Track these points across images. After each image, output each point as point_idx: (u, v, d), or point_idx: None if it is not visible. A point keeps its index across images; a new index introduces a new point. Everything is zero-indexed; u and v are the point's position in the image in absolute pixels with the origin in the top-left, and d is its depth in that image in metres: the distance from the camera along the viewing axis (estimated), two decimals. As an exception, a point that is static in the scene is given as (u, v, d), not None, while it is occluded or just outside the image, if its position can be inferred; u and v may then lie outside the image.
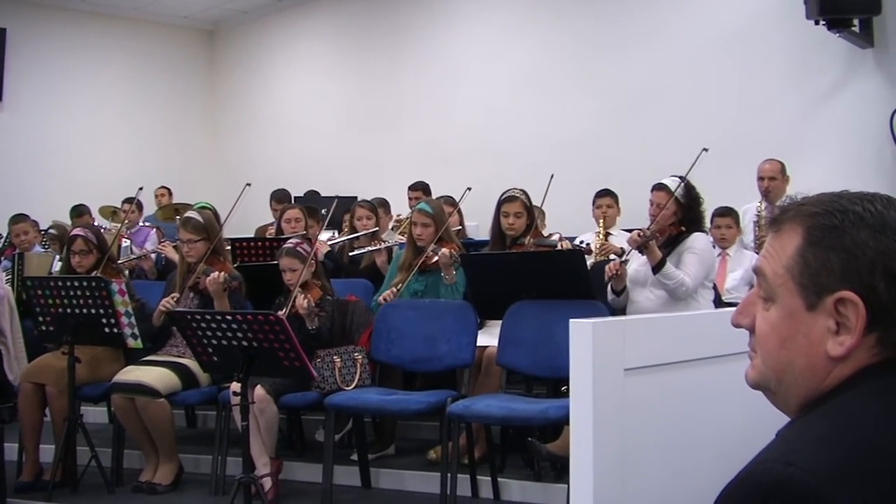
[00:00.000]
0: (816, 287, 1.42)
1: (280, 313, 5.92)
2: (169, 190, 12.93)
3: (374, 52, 13.26)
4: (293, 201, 10.31)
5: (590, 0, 10.94)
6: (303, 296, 6.18)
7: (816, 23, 8.13)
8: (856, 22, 8.35)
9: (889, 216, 1.41)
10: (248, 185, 7.05)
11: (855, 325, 1.39)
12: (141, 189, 8.58)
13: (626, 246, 6.69)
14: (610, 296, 6.21)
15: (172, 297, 6.44)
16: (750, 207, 8.17)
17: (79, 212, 11.05)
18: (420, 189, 10.15)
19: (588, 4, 10.93)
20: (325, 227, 8.34)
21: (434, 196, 9.09)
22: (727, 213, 7.84)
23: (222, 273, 6.29)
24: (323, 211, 9.09)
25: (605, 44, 10.74)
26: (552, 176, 6.80)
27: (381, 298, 6.61)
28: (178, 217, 8.82)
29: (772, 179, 8.01)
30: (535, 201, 6.90)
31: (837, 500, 1.21)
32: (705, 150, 6.12)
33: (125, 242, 9.10)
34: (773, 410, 1.54)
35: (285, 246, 6.49)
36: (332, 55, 14.03)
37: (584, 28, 10.95)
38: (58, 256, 8.57)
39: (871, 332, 1.39)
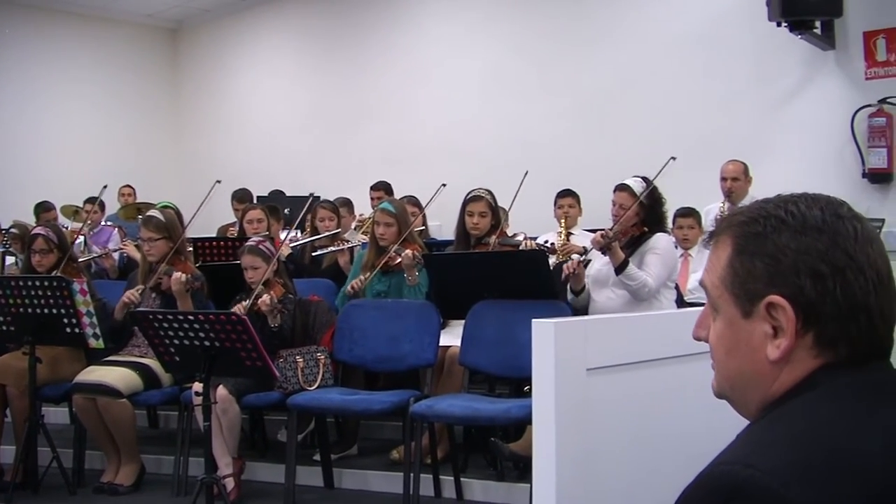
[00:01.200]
0: (748, 294, 1.45)
1: (240, 306, 5.94)
2: (133, 189, 12.82)
3: (339, 51, 13.21)
4: (255, 200, 10.24)
5: (555, 0, 10.97)
6: (266, 293, 6.16)
7: (778, 24, 8.20)
8: (817, 24, 8.42)
9: (811, 215, 1.43)
10: (219, 181, 7.01)
11: (787, 327, 1.41)
12: (105, 187, 8.51)
13: (588, 246, 6.69)
14: (569, 295, 6.20)
15: (138, 290, 6.40)
16: (712, 208, 8.20)
17: (45, 207, 10.87)
18: (382, 189, 10.09)
19: (553, 4, 10.94)
20: (287, 227, 8.29)
21: (398, 196, 9.05)
22: (689, 214, 7.88)
23: (185, 273, 6.26)
24: (286, 210, 9.03)
25: (569, 44, 10.76)
26: (526, 173, 6.78)
27: (349, 288, 6.59)
28: (140, 216, 8.74)
29: (735, 180, 8.06)
30: (501, 202, 6.90)
31: (796, 501, 1.22)
32: (673, 158, 6.11)
33: (79, 239, 8.98)
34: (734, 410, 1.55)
35: (247, 244, 6.46)
36: (296, 54, 13.97)
37: (548, 28, 10.96)
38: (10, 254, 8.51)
39: (807, 332, 1.41)
